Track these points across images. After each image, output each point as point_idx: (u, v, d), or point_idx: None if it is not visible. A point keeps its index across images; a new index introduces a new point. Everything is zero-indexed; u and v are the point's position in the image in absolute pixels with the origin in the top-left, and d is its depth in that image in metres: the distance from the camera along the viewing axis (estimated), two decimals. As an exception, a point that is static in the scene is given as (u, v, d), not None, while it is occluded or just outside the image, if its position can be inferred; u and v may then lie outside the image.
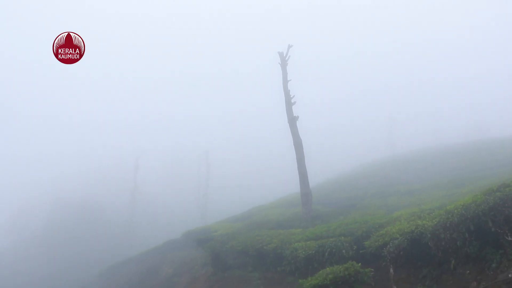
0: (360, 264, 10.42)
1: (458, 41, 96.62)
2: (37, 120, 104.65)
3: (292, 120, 22.68)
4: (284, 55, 24.30)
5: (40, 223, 67.73)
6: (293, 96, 23.29)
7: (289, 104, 23.12)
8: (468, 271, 9.83)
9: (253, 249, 15.40)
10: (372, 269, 10.61)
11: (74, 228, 57.25)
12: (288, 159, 30.14)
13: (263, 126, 71.10)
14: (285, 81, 23.95)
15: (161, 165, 67.28)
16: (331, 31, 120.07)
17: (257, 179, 56.45)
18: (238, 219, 26.73)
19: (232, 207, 38.54)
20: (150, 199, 57.34)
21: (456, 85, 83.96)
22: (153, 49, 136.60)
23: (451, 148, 42.41)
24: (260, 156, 64.06)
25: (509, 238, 9.25)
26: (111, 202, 60.40)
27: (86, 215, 59.15)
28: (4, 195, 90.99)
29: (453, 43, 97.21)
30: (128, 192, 56.45)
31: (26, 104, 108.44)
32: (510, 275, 8.73)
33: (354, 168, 44.68)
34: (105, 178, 66.57)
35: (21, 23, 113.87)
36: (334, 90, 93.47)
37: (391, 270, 10.80)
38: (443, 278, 10.23)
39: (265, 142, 66.95)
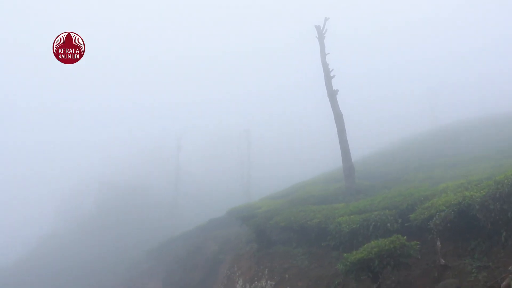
0: (405, 237, 10.27)
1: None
2: (81, 108, 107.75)
3: (332, 94, 22.40)
4: (321, 28, 23.89)
5: (89, 206, 70.25)
6: (332, 69, 22.96)
7: (328, 77, 22.82)
8: (520, 243, 9.55)
9: (296, 225, 15.44)
10: (418, 242, 10.43)
11: (121, 210, 59.04)
12: (329, 134, 29.85)
13: (302, 101, 70.36)
14: (323, 54, 23.61)
15: (203, 145, 68.10)
16: (367, 1, 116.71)
17: (299, 155, 56.28)
18: (281, 196, 26.84)
19: (274, 184, 38.73)
20: (193, 179, 58.27)
21: (502, 49, 79.93)
22: (185, 28, 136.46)
23: (499, 117, 40.88)
24: (301, 132, 63.61)
25: None
26: (155, 184, 61.76)
27: (132, 197, 60.83)
28: (55, 181, 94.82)
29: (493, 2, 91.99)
30: (171, 173, 57.48)
31: (68, 94, 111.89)
32: None
33: (396, 142, 43.81)
34: (149, 161, 68.03)
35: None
36: (373, 63, 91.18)
37: (438, 243, 10.58)
38: (493, 250, 9.96)
39: (305, 117, 66.30)
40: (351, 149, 22.03)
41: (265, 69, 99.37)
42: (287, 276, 14.49)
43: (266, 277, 15.29)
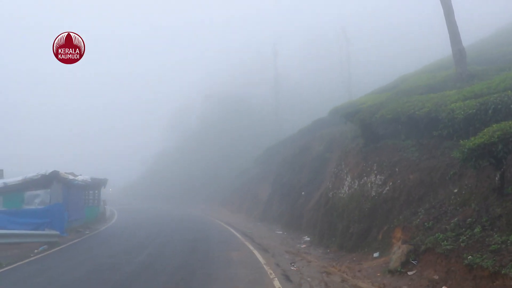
0: (533, 117, 9.14)
1: None
2: (180, 29, 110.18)
3: (436, -29, 20.04)
4: None
5: (194, 121, 73.43)
6: None
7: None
8: None
9: (404, 116, 14.53)
10: (552, 123, 9.23)
11: (225, 122, 60.96)
12: (435, 18, 27.24)
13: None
14: None
15: (299, 48, 66.36)
16: None
17: (402, 46, 52.72)
18: (385, 90, 25.58)
19: (377, 80, 36.98)
20: (293, 83, 57.79)
21: None
22: None
23: None
24: (402, 20, 58.77)
25: None
26: (256, 92, 62.22)
27: (234, 108, 62.25)
28: (164, 101, 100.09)
29: None
30: (270, 80, 57.40)
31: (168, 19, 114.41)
32: None
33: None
34: (248, 70, 68.19)
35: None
36: None
37: None
38: None
39: (405, 2, 60.55)
40: (461, 32, 19.92)
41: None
42: (397, 169, 13.99)
43: (375, 172, 14.92)
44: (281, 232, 22.75)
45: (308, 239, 18.95)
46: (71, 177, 24.61)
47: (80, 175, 27.22)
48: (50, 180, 22.21)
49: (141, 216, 36.36)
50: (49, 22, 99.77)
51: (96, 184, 30.80)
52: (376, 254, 12.35)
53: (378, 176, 14.61)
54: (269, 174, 34.63)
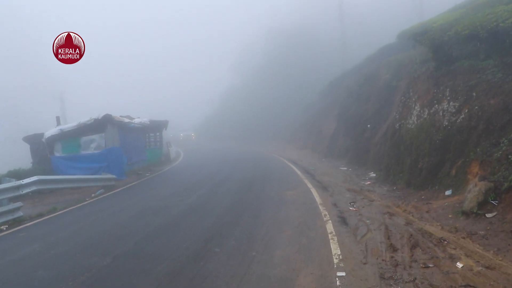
0: None
1: None
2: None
3: None
4: None
5: (258, 57, 71.61)
6: None
7: None
8: None
9: (484, 31, 12.16)
10: None
11: (288, 55, 58.78)
12: None
13: None
14: None
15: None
16: None
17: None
18: (460, 7, 22.55)
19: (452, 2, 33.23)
20: (358, 11, 53.92)
21: None
22: None
23: None
24: None
25: None
26: (319, 22, 59.08)
27: (297, 40, 59.68)
28: (228, 39, 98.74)
29: None
30: (335, 8, 54.02)
31: None
32: None
33: None
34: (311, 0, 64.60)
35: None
36: None
37: None
38: None
39: None
40: None
41: None
42: (474, 94, 11.93)
43: (448, 98, 12.92)
44: (345, 168, 21.34)
45: (374, 175, 17.44)
46: (126, 120, 24.22)
47: (138, 117, 26.85)
48: (103, 123, 21.88)
49: (205, 157, 36.16)
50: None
51: (156, 126, 30.52)
52: (448, 192, 10.74)
53: (451, 103, 12.63)
54: (334, 107, 32.88)
